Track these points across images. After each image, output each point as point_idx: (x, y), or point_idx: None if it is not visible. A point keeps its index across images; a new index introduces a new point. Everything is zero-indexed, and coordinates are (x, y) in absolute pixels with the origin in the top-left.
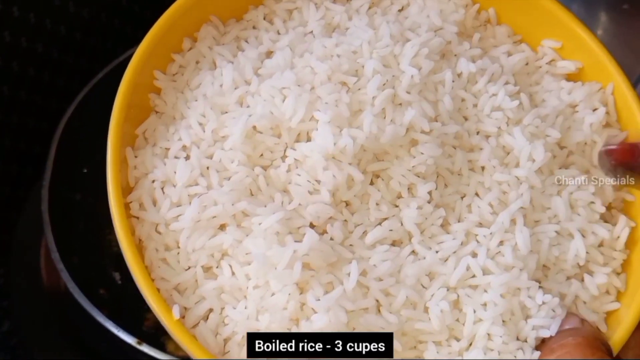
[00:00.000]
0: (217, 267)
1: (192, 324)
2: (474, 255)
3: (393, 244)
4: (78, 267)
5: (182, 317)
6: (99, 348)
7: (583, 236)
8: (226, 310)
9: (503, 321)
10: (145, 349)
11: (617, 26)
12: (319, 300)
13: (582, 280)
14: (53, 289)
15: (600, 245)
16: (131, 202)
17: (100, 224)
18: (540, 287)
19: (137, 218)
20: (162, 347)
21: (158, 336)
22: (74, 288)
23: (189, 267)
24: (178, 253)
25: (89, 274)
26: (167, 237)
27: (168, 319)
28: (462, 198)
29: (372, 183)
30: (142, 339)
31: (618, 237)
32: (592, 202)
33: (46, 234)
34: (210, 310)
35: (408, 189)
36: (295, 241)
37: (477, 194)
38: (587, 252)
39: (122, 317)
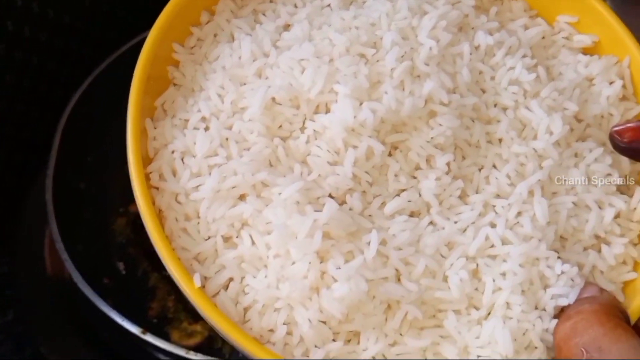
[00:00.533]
0: (237, 237)
1: (212, 292)
2: (493, 225)
3: (411, 215)
4: (82, 257)
5: (203, 286)
6: (103, 337)
7: (600, 207)
8: (246, 279)
9: (522, 290)
10: (150, 338)
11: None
12: (339, 268)
13: (600, 250)
14: (57, 278)
15: (617, 216)
16: (151, 172)
17: (104, 214)
18: (558, 257)
19: (157, 189)
20: (166, 337)
21: (162, 326)
22: (78, 277)
23: (209, 237)
24: (198, 223)
25: (93, 264)
26: (187, 207)
27: (190, 287)
28: (479, 170)
29: (390, 154)
30: (146, 328)
31: (635, 208)
32: (609, 174)
33: (50, 224)
34: (231, 279)
35: (426, 160)
36: (315, 211)
37: (494, 166)
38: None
39: (126, 307)
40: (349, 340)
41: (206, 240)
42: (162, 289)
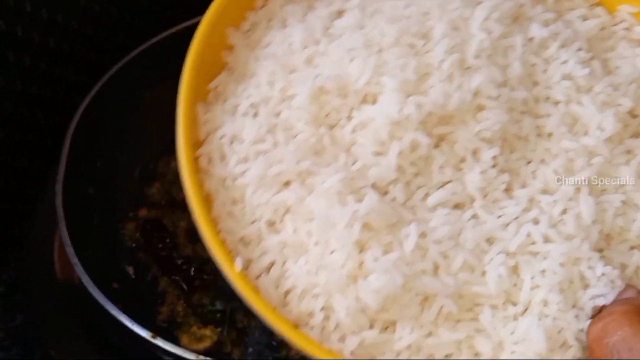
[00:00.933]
0: (280, 222)
1: (255, 275)
2: (536, 222)
3: (455, 207)
4: (92, 261)
5: (246, 268)
6: (113, 341)
7: None
8: (288, 264)
9: (561, 289)
10: (160, 342)
11: None
12: (377, 260)
13: None
14: (67, 283)
15: None
16: (200, 156)
17: (114, 218)
18: (601, 256)
19: (207, 173)
20: (175, 341)
21: (171, 330)
22: (88, 282)
23: (254, 221)
24: (244, 207)
25: (103, 268)
26: (234, 192)
27: (230, 271)
28: (527, 164)
29: (437, 146)
30: (155, 332)
31: None
32: None
33: (60, 228)
34: (273, 263)
35: (473, 153)
36: (357, 201)
37: (543, 161)
38: None
39: (136, 311)
40: (385, 329)
41: (251, 224)
42: (172, 293)
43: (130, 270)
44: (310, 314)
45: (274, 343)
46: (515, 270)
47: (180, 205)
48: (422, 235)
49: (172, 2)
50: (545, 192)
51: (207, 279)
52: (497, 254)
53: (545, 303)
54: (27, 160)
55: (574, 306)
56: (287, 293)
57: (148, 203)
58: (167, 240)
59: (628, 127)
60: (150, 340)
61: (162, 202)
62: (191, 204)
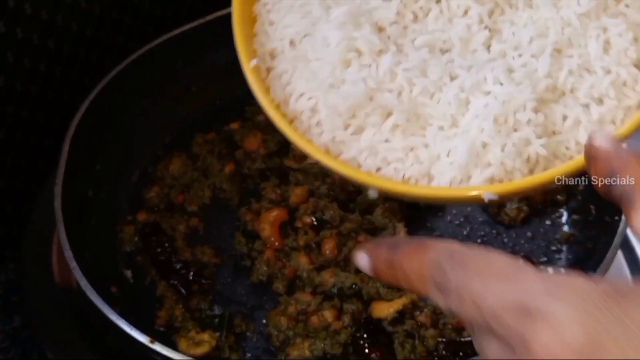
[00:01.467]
0: (299, 43)
1: (271, 79)
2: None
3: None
4: (90, 264)
5: (266, 74)
6: (110, 345)
7: (607, 73)
8: (295, 74)
9: (497, 121)
10: (158, 347)
11: None
12: (352, 75)
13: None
14: (65, 285)
15: (624, 85)
16: None
17: (112, 222)
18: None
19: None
20: (174, 346)
21: (169, 335)
22: (86, 285)
23: (281, 39)
24: (276, 27)
25: (101, 272)
26: (271, 15)
27: (246, 66)
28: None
29: (438, 2)
30: (153, 337)
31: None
32: (628, 49)
33: (59, 231)
34: (285, 71)
35: (465, 11)
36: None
37: (525, 26)
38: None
39: (133, 315)
40: (356, 133)
41: (278, 40)
42: (170, 297)
43: (129, 274)
44: (302, 112)
45: (272, 348)
46: (465, 102)
47: (178, 209)
48: (397, 63)
49: (173, 4)
50: (516, 49)
51: (206, 283)
52: (455, 87)
53: (481, 130)
54: (25, 161)
55: (507, 135)
56: (289, 95)
57: (147, 207)
58: (166, 244)
59: (608, 10)
60: (148, 345)
61: (160, 206)
62: (233, 24)
